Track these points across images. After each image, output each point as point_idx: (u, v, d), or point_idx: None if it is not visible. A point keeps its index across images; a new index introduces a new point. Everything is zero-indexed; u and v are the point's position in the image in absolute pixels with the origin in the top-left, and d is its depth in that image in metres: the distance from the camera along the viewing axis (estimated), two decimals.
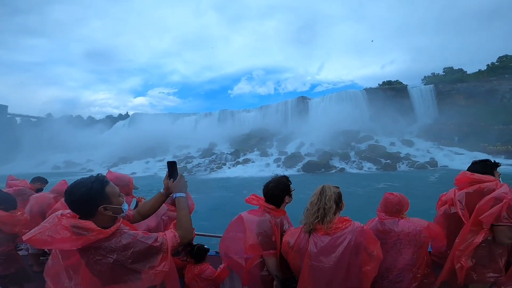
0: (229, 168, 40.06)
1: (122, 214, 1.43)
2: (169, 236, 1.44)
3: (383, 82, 57.63)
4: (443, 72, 56.26)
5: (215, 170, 39.42)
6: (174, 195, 1.70)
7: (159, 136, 53.24)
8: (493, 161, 2.35)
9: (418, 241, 2.14)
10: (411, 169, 30.93)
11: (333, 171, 32.71)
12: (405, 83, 53.46)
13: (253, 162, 41.13)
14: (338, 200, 2.02)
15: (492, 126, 38.27)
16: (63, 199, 3.13)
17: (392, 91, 50.71)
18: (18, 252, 3.52)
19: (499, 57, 49.33)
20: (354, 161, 35.20)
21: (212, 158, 44.83)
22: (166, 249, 1.37)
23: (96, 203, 1.33)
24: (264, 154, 43.42)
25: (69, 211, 1.36)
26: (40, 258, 4.32)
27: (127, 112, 69.62)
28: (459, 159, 31.44)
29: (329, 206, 1.95)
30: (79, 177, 1.39)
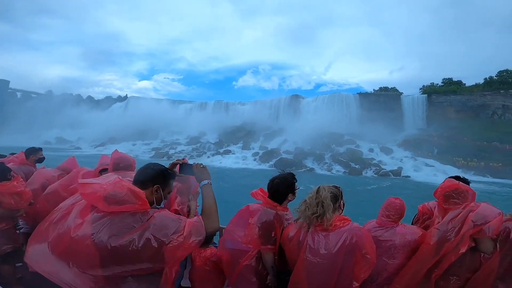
0: (208, 157, 41.07)
1: (154, 205, 1.49)
2: (192, 220, 1.46)
3: (380, 88, 57.08)
4: (442, 82, 55.24)
5: (194, 158, 40.41)
6: (200, 184, 1.71)
7: (152, 121, 54.52)
8: (462, 178, 2.36)
9: (412, 247, 2.16)
10: (375, 175, 31.19)
11: (303, 170, 33.19)
12: (409, 91, 52.96)
13: (233, 153, 42.09)
14: (336, 199, 2.05)
15: (474, 141, 37.77)
16: (87, 171, 3.21)
17: (385, 97, 50.40)
18: (17, 231, 3.28)
19: (499, 71, 47.82)
20: (326, 163, 35.66)
21: (196, 146, 45.95)
22: (184, 224, 1.39)
23: (156, 181, 1.51)
24: (246, 147, 44.26)
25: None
26: None
27: (126, 95, 71.04)
28: (425, 171, 31.62)
29: (327, 204, 1.98)
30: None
